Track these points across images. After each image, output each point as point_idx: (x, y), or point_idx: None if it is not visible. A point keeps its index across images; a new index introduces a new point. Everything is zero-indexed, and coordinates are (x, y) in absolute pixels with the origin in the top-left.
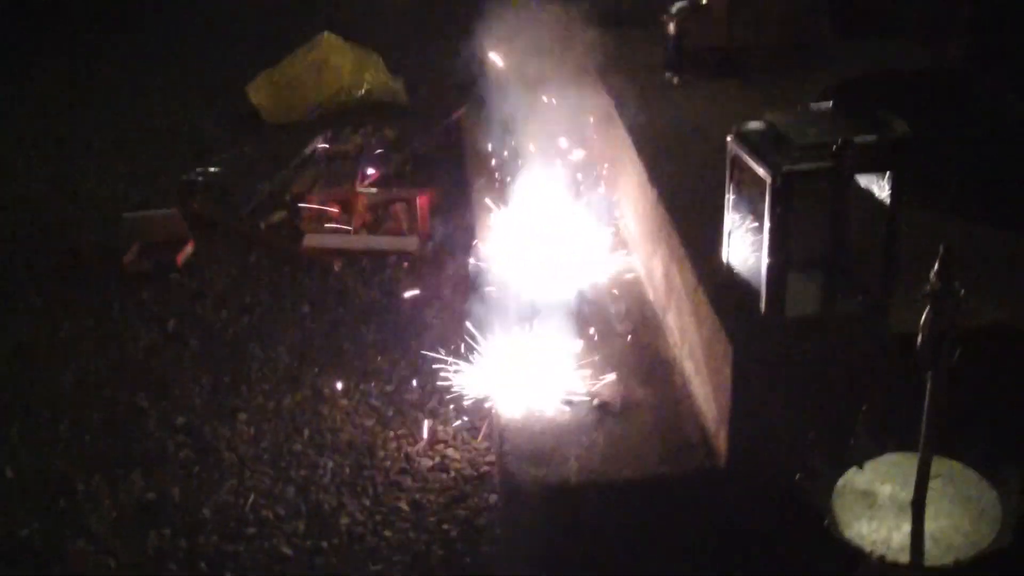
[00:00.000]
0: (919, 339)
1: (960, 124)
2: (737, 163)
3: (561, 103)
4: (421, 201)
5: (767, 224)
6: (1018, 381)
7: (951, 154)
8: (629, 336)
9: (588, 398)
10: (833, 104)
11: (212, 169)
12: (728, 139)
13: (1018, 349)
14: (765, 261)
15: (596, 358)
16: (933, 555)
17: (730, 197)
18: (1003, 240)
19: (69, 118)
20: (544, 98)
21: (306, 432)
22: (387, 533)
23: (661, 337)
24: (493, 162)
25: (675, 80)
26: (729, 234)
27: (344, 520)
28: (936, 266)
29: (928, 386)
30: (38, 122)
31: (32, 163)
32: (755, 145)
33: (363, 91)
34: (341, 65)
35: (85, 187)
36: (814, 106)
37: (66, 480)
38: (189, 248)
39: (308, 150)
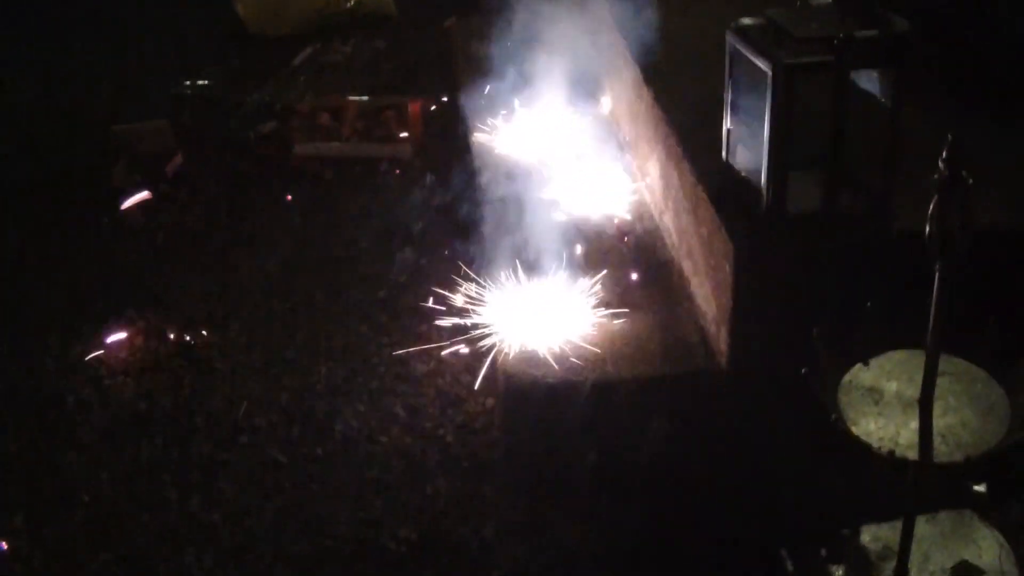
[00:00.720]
0: (927, 229)
1: (966, 24)
2: (736, 59)
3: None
4: (412, 108)
5: (768, 120)
6: None
7: (956, 53)
8: (625, 238)
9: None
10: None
11: (201, 82)
12: (727, 34)
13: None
14: (766, 158)
15: (591, 261)
16: (941, 452)
17: (729, 94)
18: (1009, 141)
19: (54, 33)
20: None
21: (299, 339)
22: (382, 439)
23: (658, 239)
24: (485, 72)
25: None
26: (728, 132)
27: (338, 426)
28: (944, 154)
29: (936, 278)
30: (22, 37)
31: (19, 79)
32: (755, 40)
33: (352, 2)
34: None
35: (74, 102)
36: (815, 1)
37: (56, 393)
38: (178, 159)
39: (297, 61)
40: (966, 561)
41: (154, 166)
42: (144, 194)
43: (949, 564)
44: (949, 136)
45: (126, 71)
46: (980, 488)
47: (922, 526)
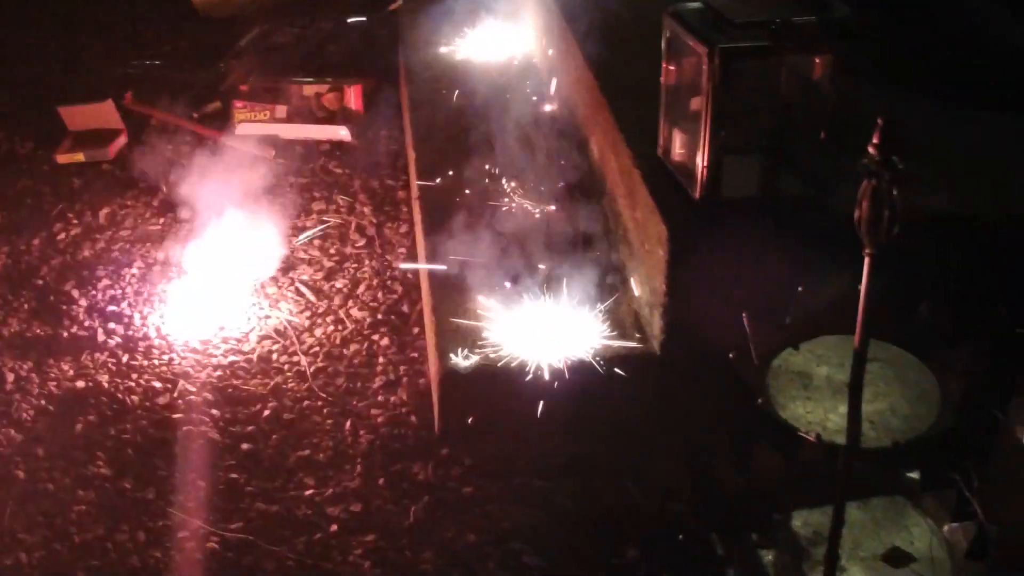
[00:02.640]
0: (855, 214)
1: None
2: (673, 43)
3: None
4: (355, 90)
5: (704, 104)
6: (961, 266)
7: (904, 35)
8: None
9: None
10: None
11: (148, 61)
12: (664, 17)
13: (963, 234)
14: (701, 142)
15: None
16: (870, 437)
17: (666, 78)
18: (956, 124)
19: (4, 11)
20: None
21: (234, 318)
22: (315, 418)
23: (595, 220)
24: (429, 51)
25: None
26: (665, 115)
27: (272, 404)
28: (874, 138)
29: (865, 265)
30: None
31: None
32: (692, 24)
33: None
34: None
35: (22, 78)
36: None
37: None
38: (122, 139)
39: (244, 41)
40: (897, 548)
41: (98, 145)
42: None
43: (880, 550)
44: (880, 120)
45: (75, 49)
46: (913, 475)
47: (854, 512)
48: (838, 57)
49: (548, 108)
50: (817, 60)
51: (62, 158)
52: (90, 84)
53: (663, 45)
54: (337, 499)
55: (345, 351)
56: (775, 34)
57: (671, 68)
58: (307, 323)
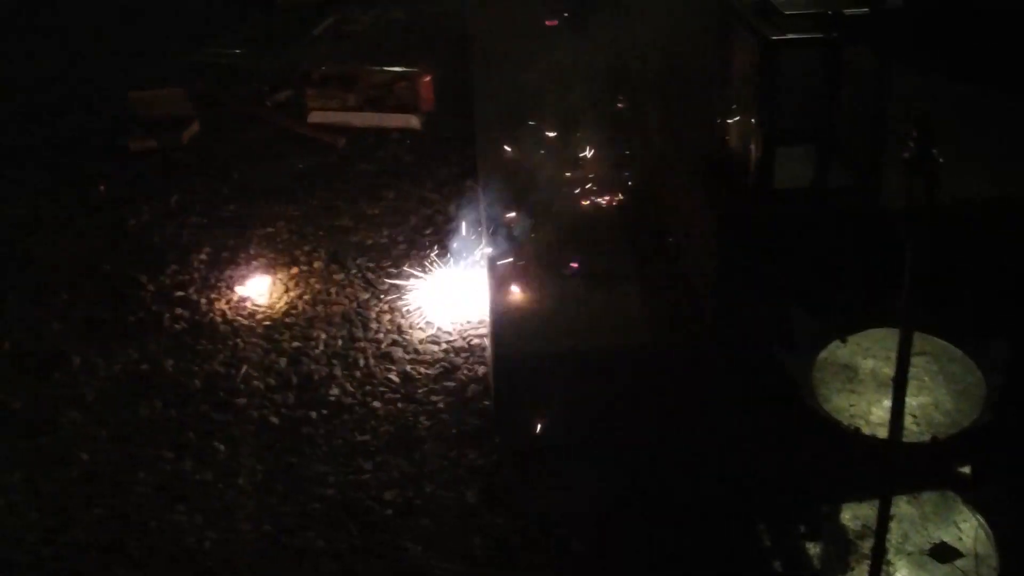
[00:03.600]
0: (899, 206)
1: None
2: (726, 33)
3: None
4: (425, 79)
5: (755, 94)
6: (1009, 256)
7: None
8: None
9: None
10: None
11: (219, 49)
12: (718, 9)
13: (1010, 222)
14: (753, 132)
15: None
16: (912, 431)
17: (719, 68)
18: (1005, 110)
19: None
20: None
21: (300, 304)
22: (375, 404)
23: (647, 210)
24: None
25: None
26: (718, 105)
27: (334, 391)
28: (913, 132)
29: (907, 258)
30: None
31: (43, 44)
32: (744, 15)
33: None
34: None
35: (95, 67)
36: None
37: (61, 352)
38: (194, 127)
39: (317, 30)
40: (944, 543)
41: (170, 132)
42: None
43: (928, 545)
44: (916, 112)
45: (147, 36)
46: (964, 469)
47: (903, 506)
48: (889, 48)
49: (616, 105)
50: (868, 51)
51: (134, 145)
52: (162, 71)
53: (717, 35)
54: (392, 484)
55: (408, 337)
56: (826, 26)
57: (723, 58)
58: (372, 311)
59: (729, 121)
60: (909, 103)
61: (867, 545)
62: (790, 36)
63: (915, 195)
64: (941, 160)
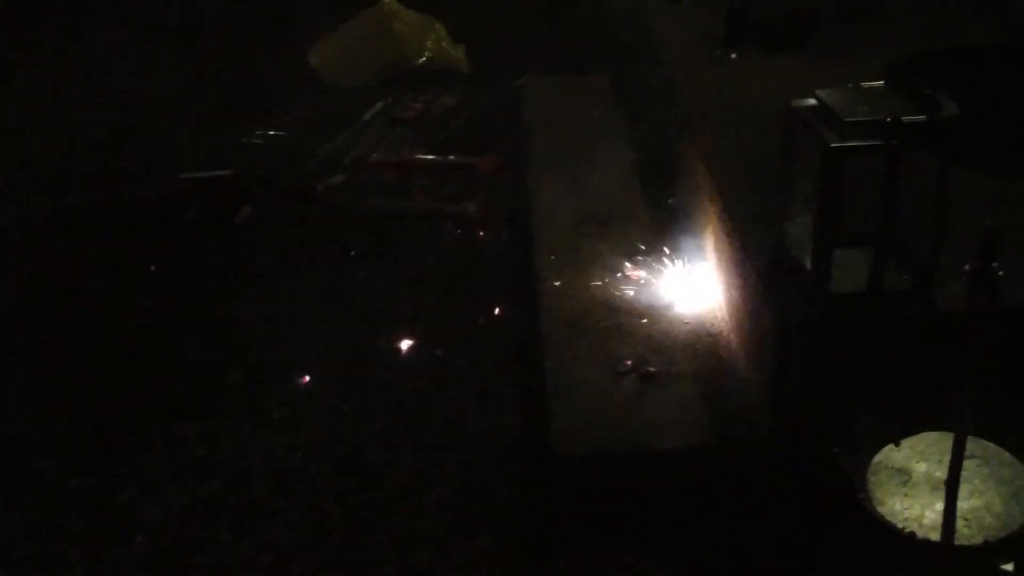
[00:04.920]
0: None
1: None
2: (790, 138)
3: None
4: (481, 166)
5: (817, 199)
6: None
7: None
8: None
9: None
10: (885, 81)
11: (272, 132)
12: (783, 113)
13: None
14: (813, 237)
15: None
16: (964, 534)
17: (783, 171)
18: None
19: (134, 69)
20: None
21: (358, 392)
22: (431, 495)
23: (708, 310)
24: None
25: (733, 55)
26: (781, 208)
27: (390, 479)
28: (979, 246)
29: (967, 364)
30: (104, 74)
31: (99, 114)
32: (807, 120)
33: (424, 58)
34: (403, 32)
35: (149, 140)
36: (866, 84)
37: (120, 430)
38: (246, 210)
39: (368, 114)
40: None
41: (223, 214)
42: None
43: None
44: (984, 227)
45: (200, 116)
46: (1008, 567)
47: None
48: (947, 154)
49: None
50: (927, 157)
51: (188, 220)
52: (214, 152)
53: (780, 139)
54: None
55: None
56: (885, 133)
57: (787, 162)
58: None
59: (790, 223)
60: (972, 206)
61: None
62: (851, 143)
63: (975, 305)
64: (1001, 273)
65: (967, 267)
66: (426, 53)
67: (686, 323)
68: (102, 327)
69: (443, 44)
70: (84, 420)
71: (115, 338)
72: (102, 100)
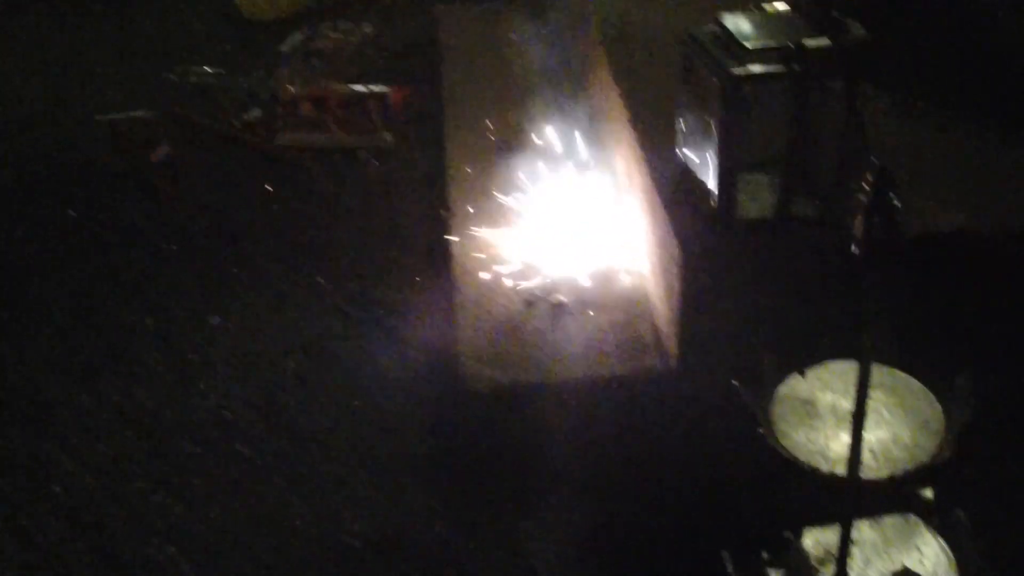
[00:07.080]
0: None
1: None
2: (689, 66)
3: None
4: (394, 98)
5: (716, 126)
6: (975, 288)
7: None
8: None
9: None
10: (791, 6)
11: (191, 69)
12: (681, 41)
13: (976, 255)
14: (715, 164)
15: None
16: (871, 467)
17: (682, 99)
18: (977, 143)
19: (58, 26)
20: None
21: (270, 332)
22: (344, 436)
23: (617, 238)
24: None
25: None
26: (683, 136)
27: (302, 421)
28: (871, 180)
29: (864, 294)
30: (23, 28)
31: (11, 61)
32: (707, 48)
33: None
34: None
35: (63, 84)
36: (770, 8)
37: (41, 390)
38: (164, 148)
39: (285, 47)
40: (907, 568)
41: (140, 155)
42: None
43: (890, 570)
44: (875, 164)
45: (116, 57)
46: (927, 493)
47: (865, 530)
48: (853, 79)
49: (579, 122)
50: (832, 83)
51: (104, 166)
52: (131, 91)
53: (680, 67)
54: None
55: None
56: (788, 60)
57: (687, 89)
58: None
59: (691, 151)
60: (876, 131)
61: (830, 571)
62: (753, 71)
63: (872, 235)
64: (898, 204)
65: (862, 198)
66: None
67: (595, 252)
68: (22, 286)
69: None
70: (6, 383)
71: (38, 298)
72: (14, 45)
